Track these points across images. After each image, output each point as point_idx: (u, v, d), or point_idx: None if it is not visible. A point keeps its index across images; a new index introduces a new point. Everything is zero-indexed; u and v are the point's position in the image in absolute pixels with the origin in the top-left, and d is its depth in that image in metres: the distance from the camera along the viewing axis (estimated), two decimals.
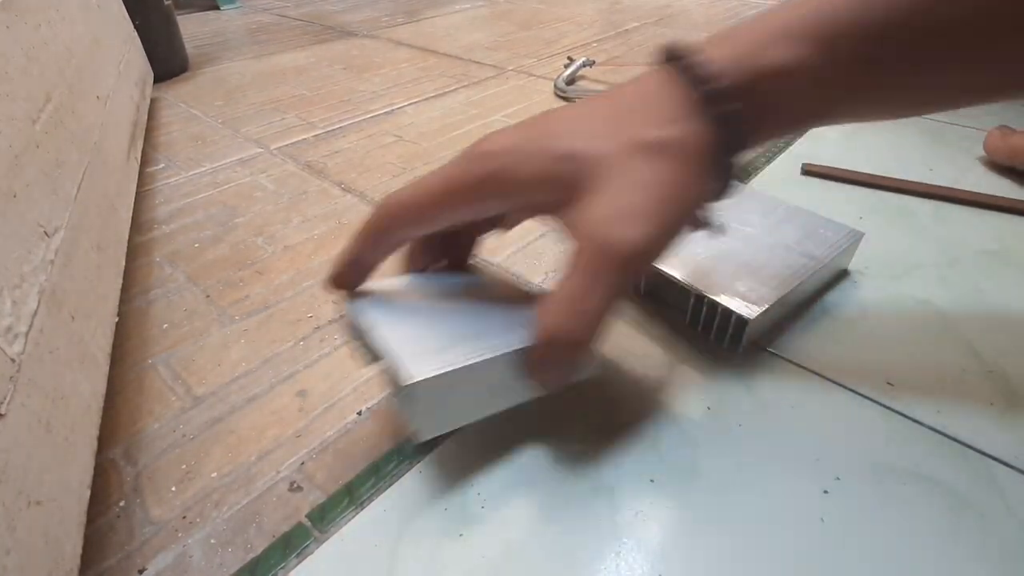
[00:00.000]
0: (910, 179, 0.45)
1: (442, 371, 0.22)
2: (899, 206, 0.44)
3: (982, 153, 0.50)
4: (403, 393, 0.23)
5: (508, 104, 0.91)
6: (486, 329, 0.25)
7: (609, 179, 0.20)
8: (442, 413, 0.24)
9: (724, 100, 0.20)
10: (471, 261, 0.32)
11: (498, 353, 0.24)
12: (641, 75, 0.25)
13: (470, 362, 0.23)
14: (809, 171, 0.39)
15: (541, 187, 0.22)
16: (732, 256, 0.35)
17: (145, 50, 0.97)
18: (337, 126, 0.86)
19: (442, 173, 0.25)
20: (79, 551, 0.29)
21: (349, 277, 0.29)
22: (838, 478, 0.23)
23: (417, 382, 0.22)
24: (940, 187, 0.42)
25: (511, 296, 0.30)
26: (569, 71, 0.98)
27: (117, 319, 0.45)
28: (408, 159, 0.74)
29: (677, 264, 0.35)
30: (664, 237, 0.21)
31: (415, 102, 0.94)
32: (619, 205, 0.20)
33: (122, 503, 0.34)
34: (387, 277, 0.31)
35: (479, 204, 0.24)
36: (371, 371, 0.42)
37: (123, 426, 0.39)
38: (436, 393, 0.23)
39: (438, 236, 0.29)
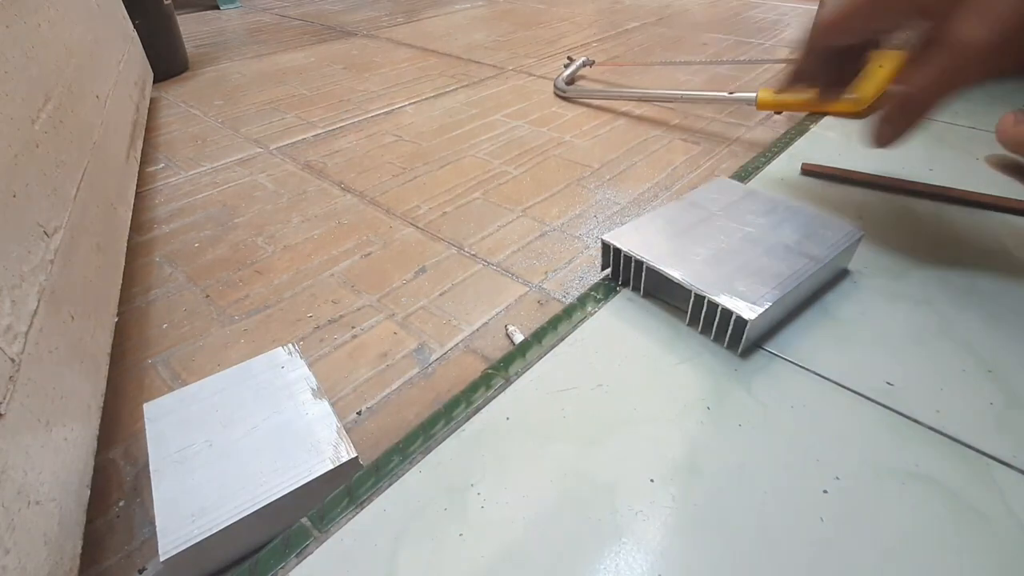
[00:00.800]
0: (910, 179, 0.45)
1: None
2: (899, 206, 0.44)
3: (983, 153, 0.50)
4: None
5: (508, 104, 0.91)
6: None
7: None
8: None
9: None
10: None
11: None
12: None
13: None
14: (808, 171, 0.39)
15: None
16: (732, 256, 0.35)
17: (145, 50, 0.97)
18: (337, 126, 0.86)
19: None
20: (79, 551, 0.29)
21: (794, 83, 0.35)
22: (838, 478, 0.23)
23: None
24: (939, 187, 0.42)
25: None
26: (569, 71, 0.98)
27: (117, 319, 0.45)
28: (408, 159, 0.74)
29: (677, 264, 0.35)
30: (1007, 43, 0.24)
31: (415, 102, 0.94)
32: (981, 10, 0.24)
33: (122, 503, 0.34)
34: None
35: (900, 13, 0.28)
36: (369, 373, 0.42)
37: (123, 426, 0.39)
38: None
39: (838, 51, 0.33)
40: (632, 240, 0.36)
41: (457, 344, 0.44)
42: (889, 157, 0.50)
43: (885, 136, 0.30)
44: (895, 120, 0.29)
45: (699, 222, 0.38)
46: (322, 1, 1.77)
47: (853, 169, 0.46)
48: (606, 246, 0.37)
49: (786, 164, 0.51)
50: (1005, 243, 0.39)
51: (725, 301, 0.31)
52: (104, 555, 0.31)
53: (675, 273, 0.34)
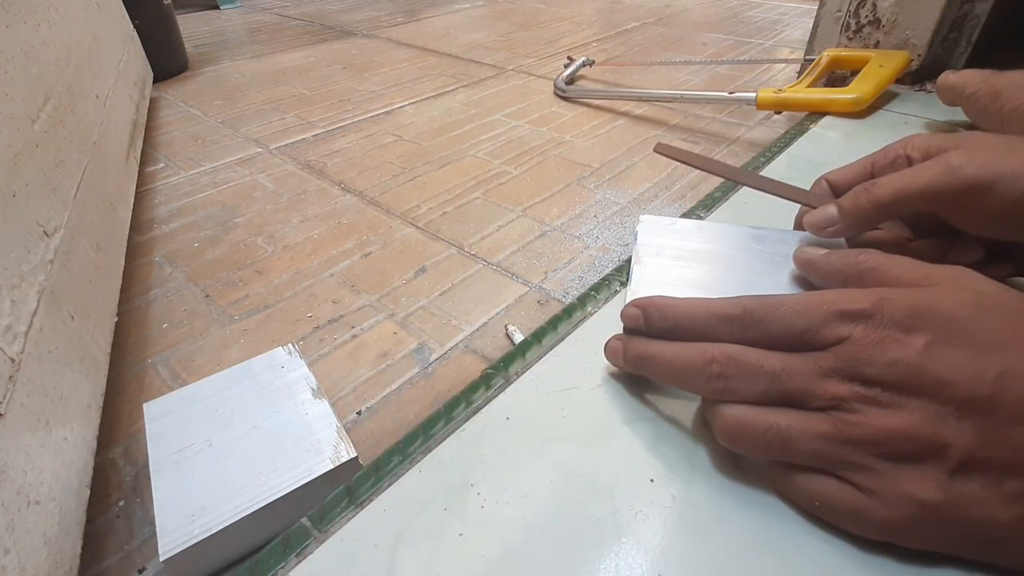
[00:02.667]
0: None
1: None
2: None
3: None
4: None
5: (508, 104, 0.91)
6: None
7: None
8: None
9: None
10: None
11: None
12: None
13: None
14: (659, 151, 0.35)
15: None
16: (724, 281, 0.31)
17: (145, 50, 0.97)
18: (337, 126, 0.86)
19: None
20: (79, 551, 0.29)
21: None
22: None
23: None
24: (774, 181, 0.36)
25: None
26: (569, 71, 0.98)
27: (117, 318, 0.45)
28: (408, 159, 0.74)
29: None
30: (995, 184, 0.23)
31: (415, 102, 0.94)
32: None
33: (122, 503, 0.34)
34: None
35: None
36: (369, 372, 0.42)
37: (123, 426, 0.39)
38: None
39: None
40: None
41: (457, 344, 0.44)
42: None
43: (861, 215, 0.27)
44: (854, 207, 0.27)
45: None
46: (322, 1, 1.77)
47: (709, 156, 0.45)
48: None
49: (786, 164, 0.51)
50: None
51: None
52: (104, 555, 0.31)
53: None
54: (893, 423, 0.18)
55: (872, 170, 0.28)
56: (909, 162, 0.26)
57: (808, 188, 0.32)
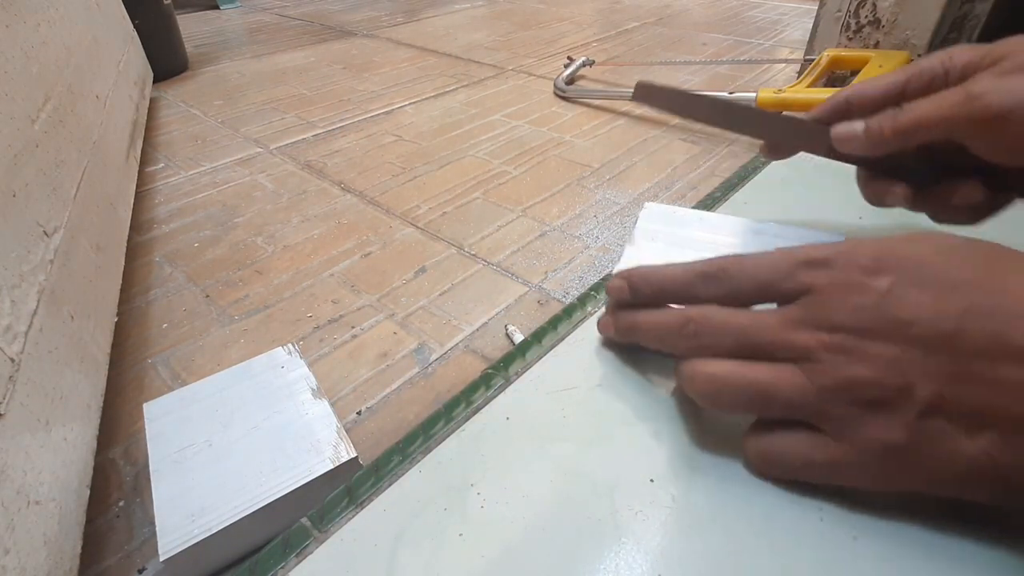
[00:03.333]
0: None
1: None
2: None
3: None
4: None
5: (508, 104, 0.91)
6: None
7: None
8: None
9: None
10: None
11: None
12: None
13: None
14: (638, 98, 0.34)
15: None
16: None
17: (145, 50, 0.97)
18: (337, 126, 0.86)
19: None
20: (79, 550, 0.29)
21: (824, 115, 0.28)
22: None
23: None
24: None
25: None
26: (569, 71, 0.98)
27: (116, 319, 0.45)
28: (408, 158, 0.74)
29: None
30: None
31: (415, 101, 0.94)
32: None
33: (122, 503, 0.34)
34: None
35: None
36: (369, 372, 0.42)
37: (123, 426, 0.39)
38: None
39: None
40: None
41: (457, 344, 0.44)
42: None
43: (851, 141, 0.26)
44: (879, 126, 0.25)
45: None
46: (322, 1, 1.77)
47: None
48: None
49: (786, 164, 0.51)
50: (1007, 243, 0.39)
51: None
52: (104, 555, 0.31)
53: None
54: (859, 370, 0.18)
55: (904, 88, 0.26)
56: (946, 82, 0.25)
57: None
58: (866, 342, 0.18)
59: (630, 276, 0.25)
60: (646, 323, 0.24)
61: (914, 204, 0.27)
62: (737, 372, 0.20)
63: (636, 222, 0.34)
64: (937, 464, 0.18)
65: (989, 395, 0.17)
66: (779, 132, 0.30)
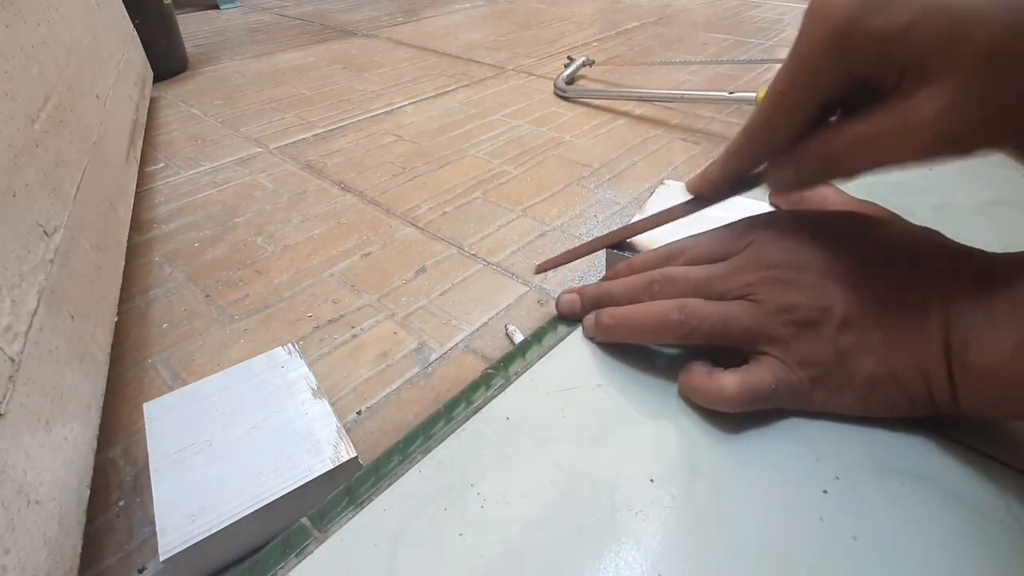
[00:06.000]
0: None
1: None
2: (899, 205, 0.44)
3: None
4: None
5: (508, 103, 0.91)
6: None
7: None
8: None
9: None
10: None
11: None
12: None
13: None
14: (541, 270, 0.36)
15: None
16: None
17: (145, 49, 0.97)
18: (337, 125, 0.86)
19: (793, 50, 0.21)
20: (79, 550, 0.29)
21: (711, 188, 0.27)
22: (838, 478, 0.23)
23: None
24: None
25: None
26: (569, 70, 0.98)
27: (116, 318, 0.45)
28: (408, 158, 0.74)
29: None
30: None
31: (415, 101, 0.94)
32: None
33: (122, 503, 0.34)
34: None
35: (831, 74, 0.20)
36: (369, 372, 0.42)
37: (123, 426, 0.39)
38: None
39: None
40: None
41: (457, 344, 0.44)
42: None
43: (787, 183, 0.24)
44: (813, 178, 0.23)
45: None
46: (322, 1, 1.77)
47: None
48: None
49: None
50: (1007, 242, 0.39)
51: None
52: (104, 555, 0.31)
53: None
54: (792, 296, 0.23)
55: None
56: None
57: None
58: (796, 273, 0.23)
59: (582, 291, 0.30)
60: (616, 287, 0.28)
61: None
62: (704, 308, 0.24)
63: (651, 196, 0.33)
64: (849, 381, 0.23)
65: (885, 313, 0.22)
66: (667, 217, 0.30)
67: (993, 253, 0.22)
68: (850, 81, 0.20)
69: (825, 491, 0.22)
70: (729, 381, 0.24)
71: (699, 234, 0.27)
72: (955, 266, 0.22)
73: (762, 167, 0.25)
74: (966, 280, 0.21)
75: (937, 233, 0.24)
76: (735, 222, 0.27)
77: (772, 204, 0.32)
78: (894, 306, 0.22)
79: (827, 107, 0.21)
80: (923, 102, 0.18)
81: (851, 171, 0.21)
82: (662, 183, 0.35)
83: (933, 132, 0.18)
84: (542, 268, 0.35)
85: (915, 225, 0.25)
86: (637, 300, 0.27)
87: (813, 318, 0.23)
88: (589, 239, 0.37)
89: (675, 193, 0.34)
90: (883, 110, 0.19)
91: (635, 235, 0.32)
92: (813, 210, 0.26)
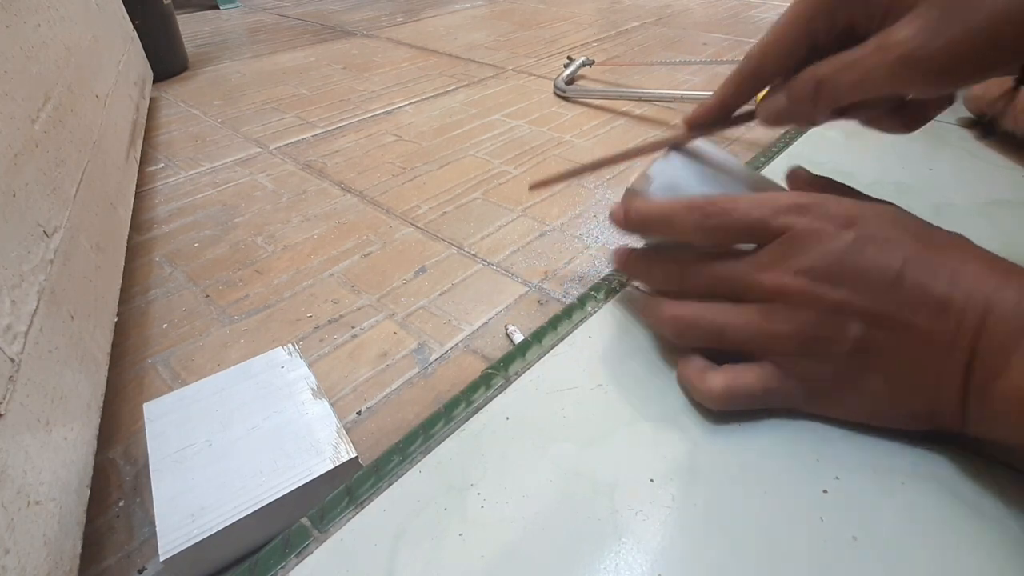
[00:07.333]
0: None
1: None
2: (898, 204, 0.44)
3: (984, 153, 0.50)
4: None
5: (508, 103, 0.91)
6: None
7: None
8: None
9: None
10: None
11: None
12: None
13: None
14: (535, 188, 0.36)
15: None
16: None
17: (145, 50, 0.97)
18: (337, 126, 0.86)
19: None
20: (79, 551, 0.29)
21: (707, 117, 0.28)
22: (838, 478, 0.23)
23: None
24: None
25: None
26: (569, 71, 0.98)
27: (116, 318, 0.45)
28: (408, 158, 0.74)
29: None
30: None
31: (415, 101, 0.94)
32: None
33: (121, 503, 0.34)
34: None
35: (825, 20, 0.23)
36: (369, 372, 0.42)
37: (123, 426, 0.39)
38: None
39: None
40: None
41: (457, 344, 0.44)
42: (890, 158, 0.50)
43: (777, 111, 0.24)
44: (801, 104, 0.23)
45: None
46: (322, 1, 1.77)
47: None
48: None
49: (786, 164, 0.51)
50: (1006, 241, 0.39)
51: None
52: (104, 555, 0.31)
53: None
54: (808, 317, 0.22)
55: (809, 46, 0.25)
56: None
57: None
58: (823, 286, 0.21)
59: (629, 206, 0.28)
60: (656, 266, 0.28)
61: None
62: (699, 315, 0.24)
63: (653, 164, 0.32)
64: (854, 395, 0.22)
65: (900, 338, 0.20)
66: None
67: None
68: (840, 23, 0.22)
69: (825, 491, 0.22)
70: (716, 381, 0.24)
71: (739, 198, 0.24)
72: (993, 296, 0.19)
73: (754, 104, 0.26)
74: (1003, 306, 0.19)
75: (967, 242, 0.22)
76: (778, 194, 0.24)
77: (788, 183, 0.30)
78: (919, 335, 0.20)
79: (818, 51, 0.23)
80: (900, 27, 0.20)
81: (836, 95, 0.22)
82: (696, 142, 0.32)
83: (908, 51, 0.19)
84: (536, 186, 0.33)
85: (945, 235, 0.22)
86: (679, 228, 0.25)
87: (825, 337, 0.21)
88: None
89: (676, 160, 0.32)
90: (866, 42, 0.21)
91: (636, 157, 0.31)
92: (864, 206, 0.22)
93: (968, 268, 0.20)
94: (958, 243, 0.22)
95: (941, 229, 0.22)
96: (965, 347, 0.20)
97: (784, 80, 0.24)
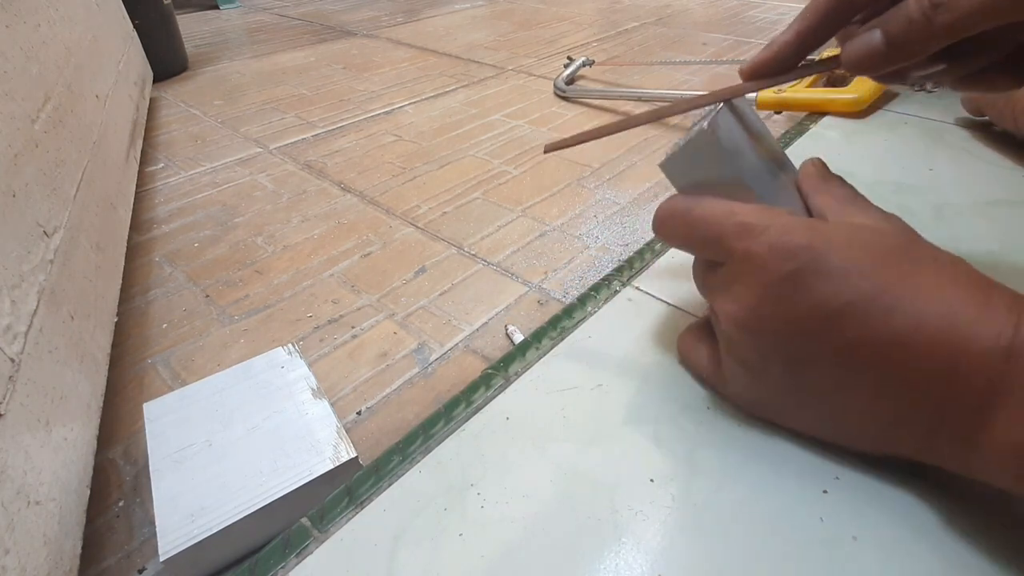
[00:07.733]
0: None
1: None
2: (899, 204, 0.44)
3: (984, 153, 0.50)
4: None
5: (508, 103, 0.91)
6: None
7: None
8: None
9: None
10: None
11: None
12: None
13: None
14: (549, 150, 0.34)
15: None
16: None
17: (145, 49, 0.97)
18: (337, 126, 0.86)
19: None
20: (78, 551, 0.29)
21: (775, 61, 0.23)
22: (838, 478, 0.23)
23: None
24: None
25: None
26: (569, 71, 0.98)
27: (116, 318, 0.45)
28: (408, 158, 0.74)
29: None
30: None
31: (415, 101, 0.94)
32: None
33: (121, 503, 0.34)
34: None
35: None
36: (369, 372, 0.42)
37: (123, 426, 0.39)
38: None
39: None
40: None
41: (457, 344, 0.44)
42: (889, 157, 0.50)
43: (872, 50, 0.19)
44: (909, 34, 0.18)
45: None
46: (322, 1, 1.77)
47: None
48: None
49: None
50: (1006, 242, 0.39)
51: None
52: (104, 555, 0.31)
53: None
54: (744, 348, 0.22)
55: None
56: None
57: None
58: (750, 325, 0.21)
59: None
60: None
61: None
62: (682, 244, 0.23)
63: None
64: (801, 411, 0.22)
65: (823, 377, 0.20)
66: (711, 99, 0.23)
67: None
68: None
69: (825, 491, 0.22)
70: (702, 353, 0.25)
71: (698, 206, 0.23)
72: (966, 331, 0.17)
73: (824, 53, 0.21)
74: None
75: (970, 269, 0.18)
76: (733, 210, 0.21)
77: (800, 175, 0.24)
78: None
79: None
80: None
81: (958, 20, 0.17)
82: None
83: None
84: (550, 148, 0.30)
85: (930, 259, 0.19)
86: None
87: (753, 363, 0.22)
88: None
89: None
90: None
91: (672, 115, 0.26)
92: (819, 227, 0.20)
93: (944, 296, 0.17)
94: (940, 269, 0.18)
95: (935, 251, 0.19)
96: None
97: (872, 14, 0.19)
